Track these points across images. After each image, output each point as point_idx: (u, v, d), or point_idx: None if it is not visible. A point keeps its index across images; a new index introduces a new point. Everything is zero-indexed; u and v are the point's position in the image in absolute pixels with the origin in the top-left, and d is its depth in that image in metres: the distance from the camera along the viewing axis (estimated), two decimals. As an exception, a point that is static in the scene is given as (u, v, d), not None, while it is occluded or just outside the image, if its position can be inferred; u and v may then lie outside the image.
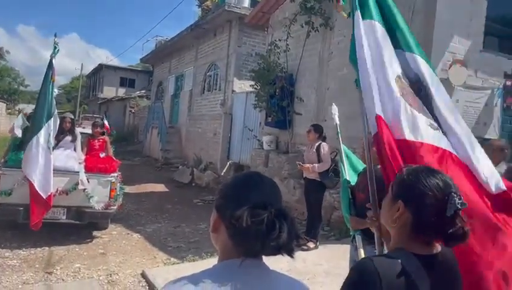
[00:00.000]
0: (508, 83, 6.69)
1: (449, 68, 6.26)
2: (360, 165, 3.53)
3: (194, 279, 1.03)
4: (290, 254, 1.04)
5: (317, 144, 5.93)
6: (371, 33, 2.15)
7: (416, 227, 1.28)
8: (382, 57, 2.08)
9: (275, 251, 1.02)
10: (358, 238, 2.72)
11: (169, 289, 1.02)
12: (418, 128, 1.91)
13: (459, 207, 1.23)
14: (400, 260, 1.22)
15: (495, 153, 3.87)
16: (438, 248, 1.31)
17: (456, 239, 1.25)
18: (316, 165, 5.79)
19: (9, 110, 31.14)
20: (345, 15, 2.53)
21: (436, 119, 2.03)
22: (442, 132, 2.00)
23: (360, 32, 2.14)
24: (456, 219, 1.24)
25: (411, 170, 1.36)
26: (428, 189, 1.27)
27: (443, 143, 1.93)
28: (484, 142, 6.49)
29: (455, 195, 1.25)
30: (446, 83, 6.26)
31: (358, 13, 2.18)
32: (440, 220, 1.24)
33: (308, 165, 5.88)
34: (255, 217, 1.00)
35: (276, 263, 1.11)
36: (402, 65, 2.17)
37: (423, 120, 1.97)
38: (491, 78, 6.77)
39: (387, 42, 2.16)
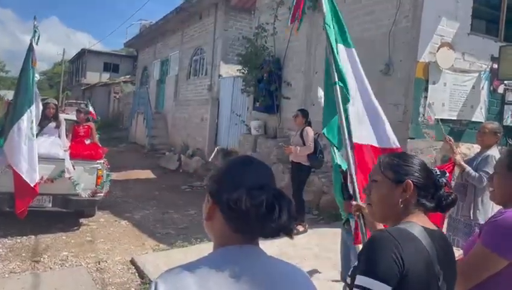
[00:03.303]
0: (495, 66, 6.72)
1: (437, 51, 6.26)
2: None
3: (191, 267, 1.00)
4: (290, 235, 1.03)
5: (301, 129, 5.95)
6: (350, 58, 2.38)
7: (421, 199, 1.43)
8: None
9: (275, 232, 1.01)
10: (353, 221, 2.71)
11: (165, 277, 0.98)
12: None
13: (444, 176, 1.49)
14: (408, 228, 1.33)
15: (487, 136, 3.86)
16: (433, 225, 1.43)
17: (451, 203, 1.47)
18: (299, 147, 5.83)
19: (-10, 97, 30.39)
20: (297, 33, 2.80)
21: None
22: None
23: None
24: (446, 186, 1.47)
25: (393, 155, 1.53)
26: (422, 165, 1.47)
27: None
28: (470, 125, 6.59)
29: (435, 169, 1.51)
30: (434, 65, 6.28)
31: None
32: (437, 189, 1.45)
33: (292, 147, 5.95)
34: (254, 199, 0.98)
35: (266, 247, 1.09)
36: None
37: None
38: (478, 61, 6.80)
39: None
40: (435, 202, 1.45)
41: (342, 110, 2.29)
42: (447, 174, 1.53)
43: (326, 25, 2.35)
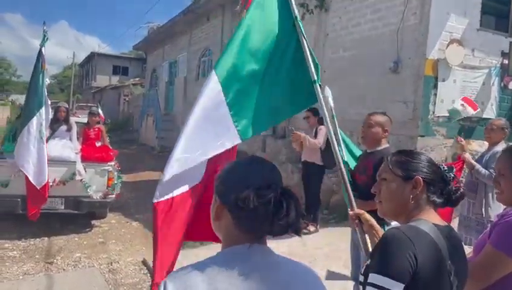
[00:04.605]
0: (505, 61, 6.65)
1: (446, 48, 6.21)
2: (355, 149, 3.52)
3: (199, 266, 1.01)
4: (298, 232, 1.05)
5: (316, 128, 5.87)
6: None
7: (431, 195, 1.43)
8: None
9: (283, 230, 1.02)
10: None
11: (174, 277, 1.00)
12: None
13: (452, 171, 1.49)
14: (419, 226, 1.34)
15: (495, 132, 3.84)
16: (443, 222, 1.43)
17: (460, 197, 1.47)
18: (308, 137, 5.69)
19: (2, 101, 30.85)
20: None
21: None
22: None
23: None
24: (454, 180, 1.47)
25: (401, 153, 1.54)
26: (429, 161, 1.49)
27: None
28: (481, 122, 6.52)
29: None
30: (443, 62, 6.23)
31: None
32: (446, 184, 1.46)
33: (302, 134, 5.73)
34: (261, 198, 0.99)
35: (276, 247, 1.10)
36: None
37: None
38: (488, 57, 6.73)
39: None
40: (444, 197, 1.45)
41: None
42: (454, 168, 1.54)
43: (298, 21, 2.29)
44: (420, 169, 1.45)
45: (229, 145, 2.14)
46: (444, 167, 1.49)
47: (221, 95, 2.10)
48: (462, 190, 1.48)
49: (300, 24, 2.29)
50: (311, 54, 2.26)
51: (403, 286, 1.20)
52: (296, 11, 2.29)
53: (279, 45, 2.28)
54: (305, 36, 2.28)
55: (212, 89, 2.10)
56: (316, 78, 2.20)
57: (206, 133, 2.09)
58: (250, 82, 2.19)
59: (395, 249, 1.25)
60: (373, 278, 1.24)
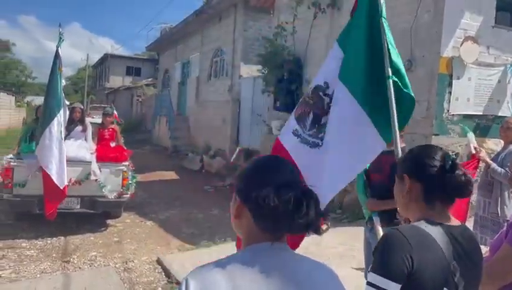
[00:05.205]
0: (521, 58, 6.54)
1: (461, 45, 6.13)
2: None
3: (220, 264, 1.02)
4: (317, 231, 1.06)
5: None
6: None
7: (426, 191, 1.39)
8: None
9: (303, 228, 1.03)
10: (376, 219, 2.70)
11: (195, 274, 1.01)
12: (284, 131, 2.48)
13: (453, 159, 1.38)
14: (421, 226, 1.33)
15: (509, 131, 3.79)
16: (457, 221, 1.40)
17: (464, 185, 1.35)
18: None
19: (18, 103, 31.35)
20: None
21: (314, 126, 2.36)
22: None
23: None
24: (456, 170, 1.35)
25: (408, 151, 1.52)
26: (419, 155, 1.44)
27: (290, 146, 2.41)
28: (497, 120, 6.43)
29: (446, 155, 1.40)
30: (458, 60, 6.16)
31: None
32: (443, 174, 1.35)
33: None
34: (281, 196, 1.00)
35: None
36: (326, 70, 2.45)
37: (292, 124, 2.45)
38: (503, 54, 6.62)
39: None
40: (444, 188, 1.36)
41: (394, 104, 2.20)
42: (452, 155, 1.47)
43: (383, 18, 2.32)
44: (407, 166, 1.44)
45: (379, 150, 2.29)
46: (436, 157, 1.39)
47: (356, 105, 2.24)
48: (465, 176, 1.36)
49: (383, 21, 2.31)
50: (389, 49, 2.27)
51: (399, 286, 1.22)
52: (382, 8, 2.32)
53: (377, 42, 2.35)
54: (386, 32, 2.32)
55: (343, 99, 2.27)
56: (390, 74, 2.21)
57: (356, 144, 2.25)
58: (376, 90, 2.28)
59: (391, 249, 1.27)
60: (371, 277, 1.27)
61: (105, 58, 38.07)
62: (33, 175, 5.55)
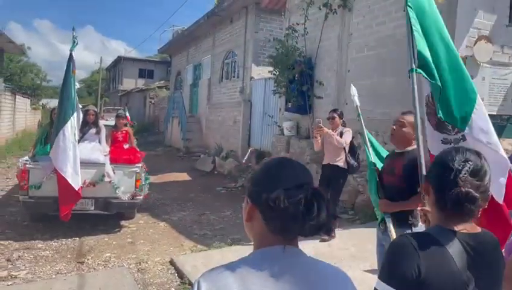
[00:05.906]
0: (537, 57, 6.44)
1: (474, 45, 6.07)
2: (382, 150, 3.47)
3: (232, 266, 1.03)
4: (329, 233, 1.05)
5: (340, 130, 5.75)
6: None
7: (438, 199, 1.36)
8: None
9: (315, 230, 1.02)
10: (389, 221, 2.68)
11: (207, 276, 1.02)
12: (433, 144, 2.38)
13: (467, 170, 1.29)
14: (432, 233, 1.31)
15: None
16: (478, 229, 1.35)
17: (470, 201, 1.28)
18: (338, 137, 5.55)
19: (34, 106, 31.80)
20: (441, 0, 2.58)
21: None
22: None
23: None
24: (464, 183, 1.29)
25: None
26: (438, 163, 1.39)
27: None
28: (511, 120, 6.33)
29: (464, 163, 1.31)
30: (471, 60, 6.09)
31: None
32: (451, 187, 1.29)
33: (326, 129, 5.57)
34: (292, 198, 0.99)
35: (301, 248, 1.10)
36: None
37: (436, 136, 2.39)
38: (518, 53, 6.53)
39: None
40: (449, 202, 1.30)
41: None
42: (469, 164, 1.30)
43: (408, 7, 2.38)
44: (428, 174, 1.46)
45: None
46: (454, 165, 1.31)
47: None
48: (465, 190, 1.28)
49: (408, 10, 2.36)
50: (412, 41, 2.28)
51: None
52: None
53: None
54: (412, 23, 2.36)
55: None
56: (414, 66, 2.21)
57: None
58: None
59: (398, 258, 1.27)
60: (377, 284, 1.28)
61: (119, 61, 38.48)
62: (48, 177, 5.63)
